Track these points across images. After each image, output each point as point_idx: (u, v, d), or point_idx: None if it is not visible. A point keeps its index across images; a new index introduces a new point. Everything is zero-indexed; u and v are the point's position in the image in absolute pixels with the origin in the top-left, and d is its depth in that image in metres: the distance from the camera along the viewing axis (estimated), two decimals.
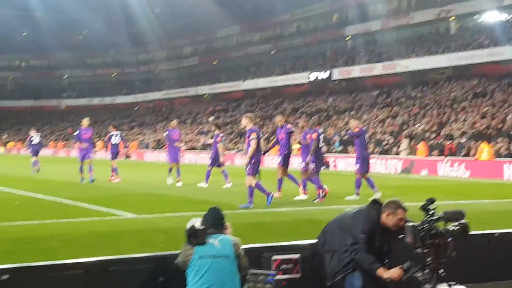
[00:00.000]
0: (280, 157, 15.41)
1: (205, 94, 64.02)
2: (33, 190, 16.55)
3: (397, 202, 5.24)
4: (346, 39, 54.11)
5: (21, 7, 74.85)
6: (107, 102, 77.01)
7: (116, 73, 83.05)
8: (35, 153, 25.03)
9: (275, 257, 5.65)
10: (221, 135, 18.51)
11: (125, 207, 12.79)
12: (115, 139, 20.97)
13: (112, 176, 20.42)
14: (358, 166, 15.14)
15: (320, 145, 14.87)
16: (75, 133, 20.85)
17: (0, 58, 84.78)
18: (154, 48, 75.85)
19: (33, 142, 25.98)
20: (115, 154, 20.86)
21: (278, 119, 16.01)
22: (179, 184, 18.63)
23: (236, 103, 57.54)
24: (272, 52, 62.28)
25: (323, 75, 48.92)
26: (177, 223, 10.14)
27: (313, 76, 49.76)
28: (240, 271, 4.96)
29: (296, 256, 5.75)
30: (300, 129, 15.59)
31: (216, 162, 18.29)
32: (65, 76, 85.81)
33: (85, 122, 20.48)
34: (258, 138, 13.06)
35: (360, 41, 51.56)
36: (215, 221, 5.03)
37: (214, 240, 4.87)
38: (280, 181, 15.29)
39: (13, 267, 5.06)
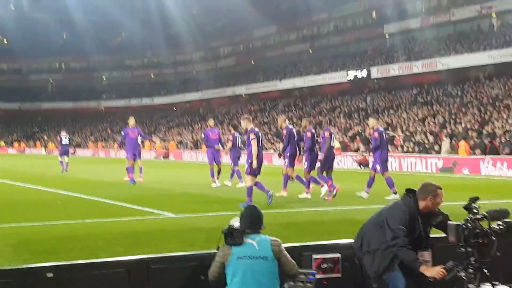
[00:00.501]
0: (287, 158, 15.23)
1: (242, 94, 64.15)
2: (74, 190, 16.80)
3: (433, 184, 5.18)
4: (385, 37, 53.58)
5: (61, 10, 76.24)
6: (145, 103, 77.79)
7: (154, 74, 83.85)
8: (65, 153, 25.18)
9: (315, 256, 5.61)
10: (236, 134, 18.34)
11: (165, 207, 12.88)
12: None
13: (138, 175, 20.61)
14: (378, 166, 15.00)
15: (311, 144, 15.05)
16: (122, 133, 20.21)
17: (41, 60, 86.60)
18: (192, 49, 76.34)
19: (62, 143, 27.08)
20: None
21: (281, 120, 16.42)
22: (214, 185, 18.32)
23: (273, 103, 57.52)
24: (309, 51, 62.06)
25: (362, 73, 48.54)
26: (217, 222, 10.17)
27: (351, 74, 49.41)
28: (287, 271, 4.94)
29: (337, 255, 5.70)
30: (303, 128, 15.57)
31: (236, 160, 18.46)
32: (104, 78, 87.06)
33: (131, 121, 19.82)
34: (258, 139, 13.08)
35: (399, 39, 51.02)
36: (253, 220, 4.97)
37: (253, 241, 4.83)
38: (286, 179, 15.24)
39: (57, 265, 5.13)
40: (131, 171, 18.95)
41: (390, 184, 14.69)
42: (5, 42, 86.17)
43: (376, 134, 14.76)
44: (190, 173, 24.96)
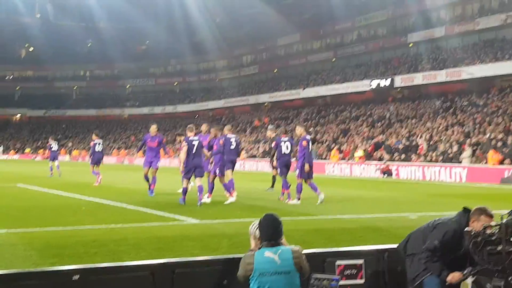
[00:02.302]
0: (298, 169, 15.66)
1: (265, 103, 64.23)
2: (98, 196, 16.94)
3: (482, 209, 5.25)
4: (409, 46, 53.34)
5: (86, 18, 77.11)
6: (168, 111, 78.20)
7: (177, 82, 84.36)
8: (98, 162, 22.68)
9: (339, 262, 5.62)
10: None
11: (189, 213, 12.94)
12: (98, 147, 22.25)
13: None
14: (298, 171, 15.44)
15: (285, 151, 16.00)
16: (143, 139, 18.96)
17: (66, 68, 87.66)
18: (215, 57, 76.65)
19: (52, 149, 28.43)
20: (97, 160, 22.08)
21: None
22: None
23: (296, 111, 57.51)
24: (332, 60, 62.00)
25: (385, 82, 48.35)
26: (239, 228, 10.22)
27: (374, 83, 49.25)
28: (301, 277, 4.94)
29: (360, 261, 5.70)
30: (299, 136, 15.99)
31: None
32: (128, 85, 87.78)
33: (153, 129, 18.31)
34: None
35: (423, 48, 50.73)
36: (274, 230, 4.93)
37: (274, 255, 4.78)
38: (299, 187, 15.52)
39: (83, 268, 5.20)
40: (147, 178, 17.71)
41: (299, 190, 15.31)
42: (31, 49, 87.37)
43: (304, 142, 15.18)
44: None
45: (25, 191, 20.33)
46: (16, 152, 71.76)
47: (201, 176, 14.94)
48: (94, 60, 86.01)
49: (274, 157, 16.93)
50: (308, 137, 15.62)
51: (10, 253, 8.13)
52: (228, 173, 15.82)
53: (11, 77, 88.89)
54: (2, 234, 9.76)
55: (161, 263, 5.41)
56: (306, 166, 15.20)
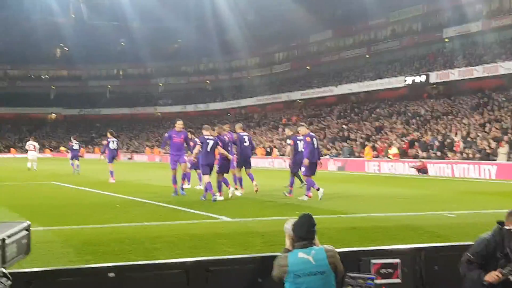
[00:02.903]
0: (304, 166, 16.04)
1: (297, 100, 64.05)
2: (132, 195, 17.06)
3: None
4: (444, 41, 52.61)
5: (119, 18, 77.91)
6: (200, 109, 78.57)
7: (209, 80, 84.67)
8: (112, 159, 23.40)
9: (374, 261, 5.54)
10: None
11: (222, 211, 12.95)
12: (113, 145, 23.21)
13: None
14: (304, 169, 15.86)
15: (301, 149, 16.29)
16: (166, 135, 18.73)
17: (100, 67, 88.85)
18: (247, 55, 76.74)
19: (73, 148, 29.97)
20: (111, 158, 22.98)
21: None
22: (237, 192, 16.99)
23: (328, 109, 57.21)
24: (366, 56, 61.52)
25: (420, 78, 47.76)
26: (272, 226, 10.20)
27: (409, 79, 48.69)
28: (336, 276, 4.88)
29: (396, 260, 5.61)
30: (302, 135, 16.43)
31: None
32: (161, 84, 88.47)
33: (180, 124, 17.72)
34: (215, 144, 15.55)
35: (458, 43, 50.00)
36: (309, 229, 4.89)
37: (309, 256, 4.74)
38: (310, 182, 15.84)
39: (119, 266, 5.22)
40: (175, 181, 17.15)
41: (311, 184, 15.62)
42: (66, 49, 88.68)
43: (308, 139, 15.68)
44: (246, 178, 24.98)
45: (60, 188, 20.63)
46: (52, 151, 72.87)
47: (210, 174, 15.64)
48: (127, 59, 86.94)
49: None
50: (312, 134, 16.25)
51: (47, 250, 8.22)
52: (235, 170, 16.52)
53: (46, 77, 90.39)
54: (39, 231, 9.89)
55: (195, 261, 5.41)
56: (305, 161, 15.52)
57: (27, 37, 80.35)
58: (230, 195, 15.68)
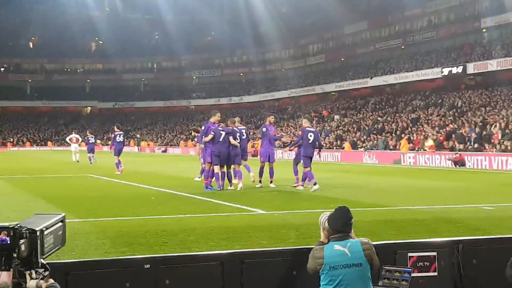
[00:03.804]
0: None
1: (331, 92, 63.69)
2: (167, 187, 17.17)
3: None
4: (482, 31, 51.65)
5: (152, 11, 78.45)
6: (234, 102, 78.66)
7: (243, 73, 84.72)
8: (119, 152, 23.79)
9: (410, 254, 5.47)
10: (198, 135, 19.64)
11: (256, 203, 12.95)
12: (120, 138, 24.09)
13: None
14: (303, 162, 16.30)
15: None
16: (203, 127, 17.76)
17: (134, 60, 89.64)
18: (281, 47, 76.54)
19: (89, 141, 31.84)
20: (118, 151, 23.75)
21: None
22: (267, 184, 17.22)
23: (363, 101, 56.75)
24: (402, 48, 60.80)
25: (457, 69, 47.00)
26: (307, 219, 10.16)
27: (446, 71, 47.96)
28: (372, 269, 4.82)
29: (433, 253, 5.53)
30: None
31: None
32: (194, 77, 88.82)
33: (218, 117, 17.21)
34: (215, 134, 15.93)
35: (497, 33, 49.03)
36: (344, 223, 4.79)
37: (345, 248, 4.66)
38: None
39: (154, 257, 5.25)
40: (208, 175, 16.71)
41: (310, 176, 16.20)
42: (101, 42, 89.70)
43: (300, 132, 16.63)
44: (279, 171, 24.98)
45: (96, 181, 20.89)
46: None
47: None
48: (161, 53, 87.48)
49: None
50: (312, 128, 16.75)
51: (84, 241, 8.33)
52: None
53: (82, 70, 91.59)
54: (76, 223, 10.02)
55: (230, 253, 5.41)
56: (295, 149, 16.54)
57: (63, 31, 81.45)
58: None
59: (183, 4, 73.66)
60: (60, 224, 3.84)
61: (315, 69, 72.59)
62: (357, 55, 66.54)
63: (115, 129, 25.07)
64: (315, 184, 15.87)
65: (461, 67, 46.63)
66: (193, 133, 21.30)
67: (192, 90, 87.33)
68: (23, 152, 60.98)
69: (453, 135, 34.14)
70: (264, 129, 17.55)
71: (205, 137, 16.25)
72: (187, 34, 79.15)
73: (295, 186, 16.80)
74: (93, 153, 32.31)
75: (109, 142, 71.33)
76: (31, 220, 3.61)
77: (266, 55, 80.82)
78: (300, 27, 72.19)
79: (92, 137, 33.36)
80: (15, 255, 3.34)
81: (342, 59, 69.07)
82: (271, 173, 17.25)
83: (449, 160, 29.41)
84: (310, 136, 16.23)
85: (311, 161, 16.32)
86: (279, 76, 76.29)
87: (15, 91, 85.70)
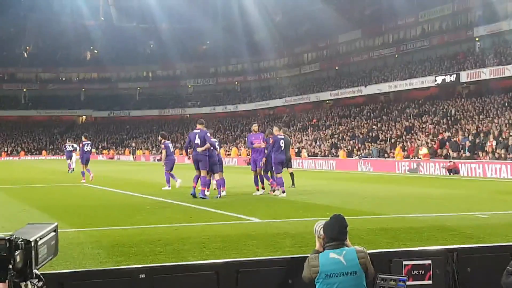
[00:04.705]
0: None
1: (326, 100, 63.82)
2: (161, 196, 17.17)
3: None
4: (475, 40, 51.91)
5: (147, 20, 78.59)
6: (229, 110, 78.70)
7: (238, 81, 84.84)
8: (86, 162, 24.97)
9: (405, 262, 5.48)
10: (166, 142, 20.48)
11: (251, 212, 12.95)
12: (87, 148, 24.91)
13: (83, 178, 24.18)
14: (274, 168, 16.83)
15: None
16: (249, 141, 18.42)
17: (130, 69, 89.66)
18: (275, 56, 76.70)
19: (85, 150, 28.47)
20: (85, 160, 24.66)
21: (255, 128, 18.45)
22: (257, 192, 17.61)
23: (358, 109, 56.88)
24: (395, 56, 61.04)
25: (450, 78, 47.19)
26: (302, 228, 10.16)
27: (439, 79, 48.15)
28: (366, 278, 4.84)
29: (428, 262, 5.55)
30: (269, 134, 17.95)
31: (170, 166, 20.20)
32: (190, 85, 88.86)
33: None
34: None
35: (489, 42, 49.29)
36: (340, 231, 4.84)
37: (340, 256, 4.71)
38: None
39: (149, 267, 5.26)
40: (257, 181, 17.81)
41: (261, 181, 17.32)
42: (96, 51, 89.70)
43: (272, 141, 16.95)
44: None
45: (91, 190, 20.84)
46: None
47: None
48: (156, 61, 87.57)
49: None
50: (282, 136, 17.25)
51: (79, 252, 8.31)
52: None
53: (76, 79, 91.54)
54: (71, 233, 10.00)
55: (225, 262, 5.42)
56: (264, 160, 16.82)
57: (57, 40, 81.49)
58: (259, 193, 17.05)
59: (178, 13, 73.82)
60: (53, 233, 3.83)
61: (310, 78, 72.74)
62: (351, 64, 66.75)
63: (83, 138, 25.56)
64: (283, 192, 16.53)
65: (455, 75, 46.82)
66: (160, 138, 21.74)
67: (187, 99, 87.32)
68: (18, 162, 60.83)
69: (447, 143, 34.25)
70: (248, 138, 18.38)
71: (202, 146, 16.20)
72: (182, 42, 79.28)
73: (273, 192, 17.07)
74: (70, 159, 33.06)
75: (104, 152, 71.61)
76: (25, 230, 3.60)
77: (261, 64, 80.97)
78: (295, 36, 72.42)
79: (69, 145, 33.82)
80: (10, 266, 3.33)
81: (337, 68, 69.27)
82: (255, 181, 17.63)
83: (443, 168, 29.48)
84: (282, 143, 16.78)
85: (282, 167, 16.95)
86: (274, 84, 76.44)
87: (9, 100, 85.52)
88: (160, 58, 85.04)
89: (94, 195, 18.65)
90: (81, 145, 25.40)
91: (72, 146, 33.44)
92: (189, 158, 18.40)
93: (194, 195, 16.02)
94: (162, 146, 20.44)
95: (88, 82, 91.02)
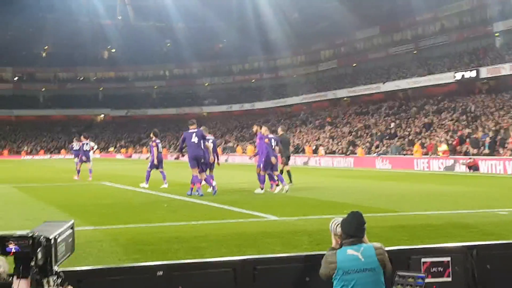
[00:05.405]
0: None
1: (343, 98, 63.59)
2: (179, 194, 17.19)
3: None
4: (495, 35, 51.39)
5: (164, 19, 78.83)
6: (246, 108, 78.67)
7: (254, 79, 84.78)
8: (87, 159, 25.54)
9: (424, 259, 5.43)
10: (157, 141, 20.68)
11: (268, 210, 12.92)
12: (87, 147, 25.53)
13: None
14: (262, 165, 17.39)
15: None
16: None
17: (147, 68, 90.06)
18: (292, 53, 76.57)
19: (84, 149, 27.66)
20: (87, 158, 25.31)
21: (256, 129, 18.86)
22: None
23: (376, 106, 56.61)
24: (414, 52, 60.63)
25: (470, 74, 46.77)
26: (319, 225, 10.11)
27: (459, 75, 47.74)
28: (384, 274, 4.79)
29: (447, 259, 5.49)
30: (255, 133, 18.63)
31: (153, 165, 20.39)
32: (206, 84, 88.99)
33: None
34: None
35: (509, 37, 48.79)
36: (357, 227, 4.77)
37: (358, 253, 4.65)
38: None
39: (167, 264, 5.25)
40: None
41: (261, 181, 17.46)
42: (113, 51, 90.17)
43: (266, 140, 17.47)
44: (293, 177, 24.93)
45: (110, 189, 20.95)
46: (101, 151, 74.15)
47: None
48: (173, 60, 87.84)
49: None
50: (272, 135, 17.91)
51: (97, 249, 8.34)
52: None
53: (94, 79, 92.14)
54: (89, 231, 10.05)
55: (242, 260, 5.40)
56: (273, 159, 17.26)
57: (75, 40, 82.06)
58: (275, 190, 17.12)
59: (194, 11, 74.00)
60: (70, 231, 3.85)
61: (327, 75, 72.54)
62: (369, 61, 66.45)
63: (82, 138, 26.35)
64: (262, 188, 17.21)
65: (474, 71, 46.43)
66: (151, 135, 21.83)
67: (204, 97, 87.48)
68: (37, 161, 61.37)
69: (467, 140, 33.95)
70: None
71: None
72: (198, 41, 79.44)
73: (281, 189, 17.36)
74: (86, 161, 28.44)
75: (122, 150, 71.99)
76: (43, 228, 3.63)
77: (277, 61, 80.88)
78: (311, 33, 72.20)
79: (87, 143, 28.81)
80: (32, 263, 3.37)
81: (354, 65, 68.99)
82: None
83: (463, 165, 29.22)
84: (273, 142, 17.56)
85: (272, 165, 17.37)
86: (290, 82, 76.25)
87: (28, 100, 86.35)
88: (176, 57, 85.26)
89: (112, 194, 18.74)
90: (80, 143, 26.17)
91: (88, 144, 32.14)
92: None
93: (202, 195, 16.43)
94: (154, 144, 20.62)
95: (105, 81, 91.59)
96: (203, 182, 17.13)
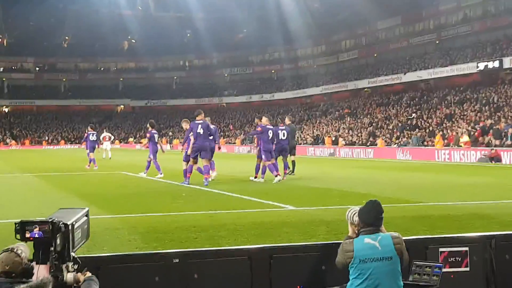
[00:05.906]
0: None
1: (364, 88, 63.21)
2: (198, 184, 17.22)
3: None
4: None
5: (184, 9, 78.81)
6: (265, 99, 78.52)
7: (274, 70, 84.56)
8: (92, 149, 26.31)
9: (442, 249, 5.39)
10: (153, 132, 21.35)
11: (287, 200, 12.91)
12: (93, 137, 26.35)
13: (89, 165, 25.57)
14: (263, 156, 17.90)
15: (282, 137, 18.89)
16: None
17: (166, 59, 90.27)
18: (313, 43, 76.15)
19: (90, 139, 27.18)
20: (92, 148, 26.07)
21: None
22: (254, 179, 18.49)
23: (397, 96, 56.21)
24: (436, 42, 60.01)
25: (493, 64, 46.17)
26: (337, 215, 10.08)
27: (482, 65, 47.15)
28: (401, 264, 4.76)
29: (465, 249, 5.45)
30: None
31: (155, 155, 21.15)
32: (226, 75, 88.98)
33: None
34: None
35: None
36: (375, 216, 4.76)
37: (375, 242, 4.63)
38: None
39: (183, 252, 5.29)
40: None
41: (263, 170, 18.17)
42: (133, 41, 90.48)
43: (270, 132, 18.12)
44: (309, 167, 24.88)
45: (128, 178, 21.11)
46: (120, 142, 74.58)
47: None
48: (193, 51, 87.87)
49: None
50: (270, 126, 18.48)
51: (115, 237, 8.40)
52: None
53: (114, 69, 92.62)
54: (108, 219, 10.13)
55: (258, 248, 5.41)
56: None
57: (96, 31, 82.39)
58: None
59: (214, 2, 73.92)
60: (85, 218, 3.89)
61: (348, 65, 72.08)
62: (391, 51, 65.86)
63: (89, 129, 27.23)
64: (276, 176, 17.44)
65: (497, 61, 45.82)
66: (148, 126, 22.38)
67: (224, 88, 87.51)
68: (58, 151, 61.94)
69: (490, 131, 33.59)
70: None
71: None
72: (218, 32, 79.34)
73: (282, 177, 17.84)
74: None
75: (142, 141, 72.34)
76: (59, 214, 3.66)
77: (297, 52, 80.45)
78: (332, 23, 71.71)
79: (93, 133, 27.48)
80: (51, 248, 3.40)
81: (375, 55, 68.46)
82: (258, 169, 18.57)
83: (484, 156, 28.93)
84: (270, 133, 18.07)
85: (271, 155, 17.84)
86: (310, 72, 75.84)
87: (49, 90, 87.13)
88: (196, 48, 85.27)
89: (131, 183, 18.86)
90: (86, 134, 26.96)
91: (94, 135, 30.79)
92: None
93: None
94: (148, 135, 21.34)
95: (125, 72, 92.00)
96: (195, 171, 17.58)
